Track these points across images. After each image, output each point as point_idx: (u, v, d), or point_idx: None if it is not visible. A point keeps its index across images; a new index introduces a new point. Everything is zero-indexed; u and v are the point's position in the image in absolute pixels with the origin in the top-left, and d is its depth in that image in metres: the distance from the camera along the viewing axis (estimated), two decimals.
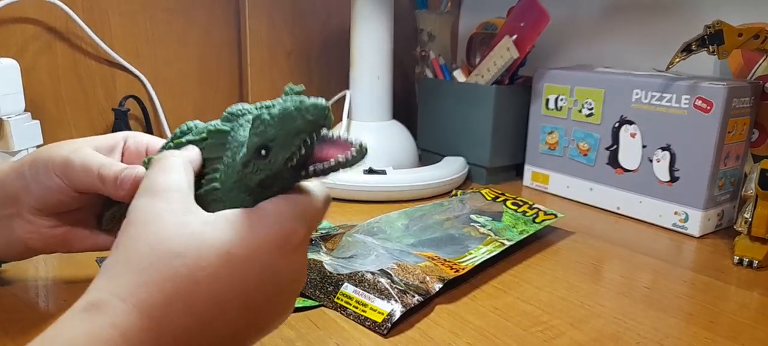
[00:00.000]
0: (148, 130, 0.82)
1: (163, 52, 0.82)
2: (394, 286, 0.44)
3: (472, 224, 0.59)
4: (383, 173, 0.75)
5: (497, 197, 0.66)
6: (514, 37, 0.75)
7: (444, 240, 0.56)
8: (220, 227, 0.27)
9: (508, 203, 0.64)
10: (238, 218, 0.27)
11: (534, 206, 0.63)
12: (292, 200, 0.29)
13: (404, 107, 1.01)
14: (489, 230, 0.58)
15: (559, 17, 0.86)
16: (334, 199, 0.74)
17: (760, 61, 0.62)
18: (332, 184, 0.73)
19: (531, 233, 0.57)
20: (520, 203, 0.64)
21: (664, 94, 0.62)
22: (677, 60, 0.60)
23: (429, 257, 0.50)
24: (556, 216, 0.61)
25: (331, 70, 0.95)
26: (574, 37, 0.86)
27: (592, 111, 0.70)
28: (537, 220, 0.60)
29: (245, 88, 0.88)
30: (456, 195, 0.71)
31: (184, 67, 0.84)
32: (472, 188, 0.77)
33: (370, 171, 0.75)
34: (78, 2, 0.74)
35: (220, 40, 0.86)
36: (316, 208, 0.30)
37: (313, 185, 0.31)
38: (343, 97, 0.84)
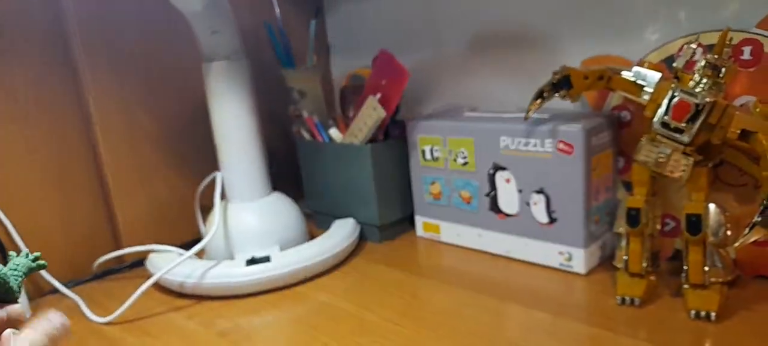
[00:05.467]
0: (2, 252, 0.72)
1: (7, 167, 0.73)
2: None
3: None
4: (267, 259, 0.70)
5: None
6: (379, 96, 0.72)
7: None
8: None
9: None
10: None
11: None
12: None
13: (290, 168, 0.97)
14: None
15: (425, 57, 0.85)
16: (214, 298, 0.69)
17: (612, 93, 0.63)
18: (210, 283, 0.67)
19: None
20: None
21: (529, 139, 0.62)
22: (533, 108, 0.60)
23: None
24: None
25: (201, 149, 0.89)
26: (442, 76, 0.85)
27: (467, 160, 0.69)
28: None
29: (106, 183, 0.80)
30: None
31: (36, 177, 0.75)
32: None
33: (252, 261, 0.70)
34: None
35: (71, 138, 0.78)
36: None
37: None
38: (214, 180, 0.78)
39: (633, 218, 0.54)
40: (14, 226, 0.72)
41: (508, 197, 0.66)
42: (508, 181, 0.66)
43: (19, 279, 0.38)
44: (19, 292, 0.38)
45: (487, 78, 0.80)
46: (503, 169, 0.66)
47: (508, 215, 0.67)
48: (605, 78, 0.56)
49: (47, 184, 0.76)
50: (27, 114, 0.73)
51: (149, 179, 0.84)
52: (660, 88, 0.53)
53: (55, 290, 0.74)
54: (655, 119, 0.52)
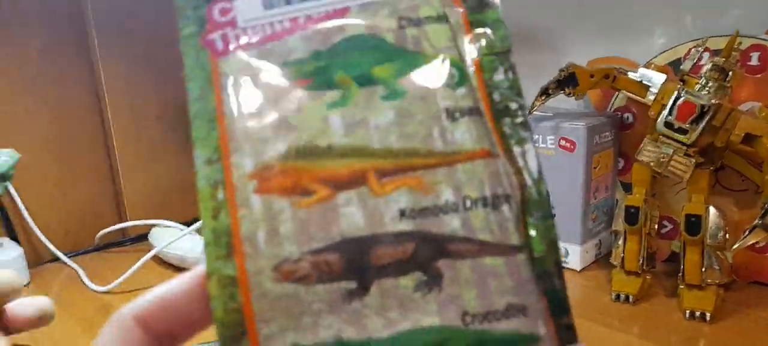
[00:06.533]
0: (6, 219, 0.73)
1: (13, 135, 0.73)
2: None
3: None
4: None
5: None
6: None
7: None
8: None
9: None
10: None
11: None
12: None
13: None
14: None
15: None
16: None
17: (616, 94, 0.64)
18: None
19: None
20: None
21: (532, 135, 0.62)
22: (538, 103, 0.60)
23: None
24: None
25: None
26: None
27: None
28: None
29: (114, 158, 0.81)
30: None
31: (41, 147, 0.76)
32: None
33: None
34: None
35: (80, 112, 0.79)
36: None
37: None
38: None
39: (632, 215, 0.55)
40: (17, 191, 0.73)
41: None
42: None
43: None
44: None
45: None
46: None
47: None
48: (611, 77, 0.57)
49: (52, 154, 0.77)
50: (37, 85, 0.74)
51: (155, 158, 0.85)
52: (666, 89, 0.53)
53: (56, 259, 0.75)
54: (659, 119, 0.52)
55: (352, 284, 0.17)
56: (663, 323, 0.52)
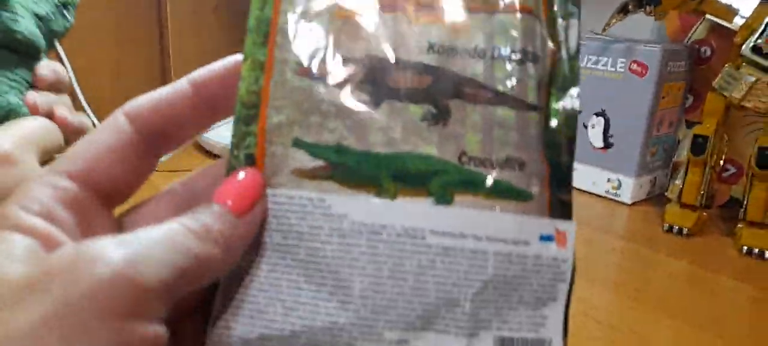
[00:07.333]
0: None
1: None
2: None
3: None
4: None
5: None
6: None
7: None
8: None
9: None
10: None
11: None
12: None
13: None
14: None
15: None
16: None
17: (697, 24, 0.61)
18: None
19: None
20: None
21: (600, 58, 0.60)
22: (614, 21, 0.58)
23: None
24: None
25: None
26: None
27: None
28: None
29: (167, 47, 0.81)
30: None
31: (98, 20, 0.76)
32: None
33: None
34: None
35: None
36: None
37: None
38: None
39: (699, 145, 0.52)
40: (74, 73, 0.73)
41: None
42: None
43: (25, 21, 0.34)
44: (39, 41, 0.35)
45: None
46: None
47: None
48: None
49: (109, 39, 0.77)
50: None
51: (208, 49, 0.85)
52: (757, 13, 0.50)
53: None
54: (746, 44, 0.50)
55: (365, 96, 0.18)
56: (716, 257, 0.50)
